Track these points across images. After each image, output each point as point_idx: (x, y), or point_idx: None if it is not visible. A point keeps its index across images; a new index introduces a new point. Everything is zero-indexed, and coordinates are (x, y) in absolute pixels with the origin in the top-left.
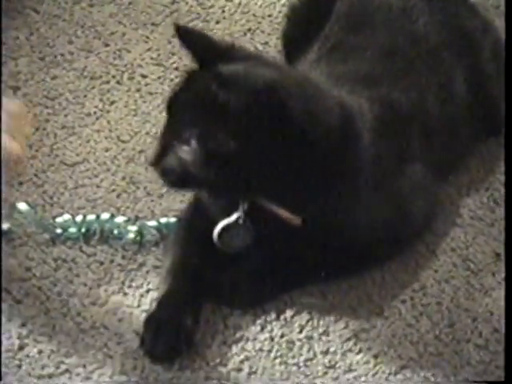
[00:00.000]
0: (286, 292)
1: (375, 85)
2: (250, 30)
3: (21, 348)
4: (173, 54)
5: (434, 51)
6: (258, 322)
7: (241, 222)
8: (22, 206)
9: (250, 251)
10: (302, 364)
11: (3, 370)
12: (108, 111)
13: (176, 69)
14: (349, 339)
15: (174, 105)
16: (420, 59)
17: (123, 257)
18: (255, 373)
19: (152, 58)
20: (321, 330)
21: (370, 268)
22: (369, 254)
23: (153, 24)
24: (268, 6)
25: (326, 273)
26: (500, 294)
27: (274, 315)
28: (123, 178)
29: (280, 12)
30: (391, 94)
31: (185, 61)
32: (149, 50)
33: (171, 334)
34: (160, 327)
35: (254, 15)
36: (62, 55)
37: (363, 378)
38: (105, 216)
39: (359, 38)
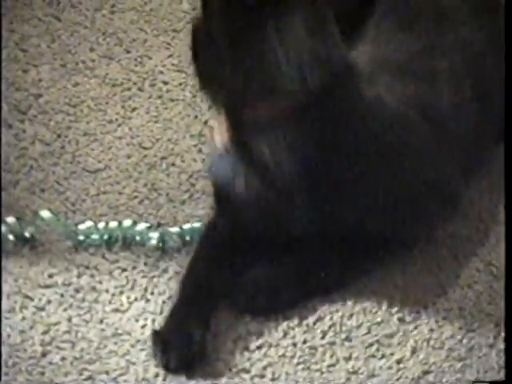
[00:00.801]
0: (308, 299)
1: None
2: None
3: (44, 355)
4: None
5: (477, 55)
6: (281, 328)
7: None
8: (45, 213)
9: (274, 256)
10: (324, 370)
11: (26, 376)
12: (130, 118)
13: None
14: (371, 345)
15: None
16: (464, 63)
17: (145, 263)
18: (278, 379)
19: (173, 65)
20: (343, 336)
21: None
22: (383, 250)
23: (174, 31)
24: None
25: (343, 274)
26: None
27: (296, 321)
28: (145, 185)
29: None
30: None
31: None
32: (170, 56)
33: (181, 347)
34: (168, 341)
35: None
36: (84, 62)
37: (386, 383)
38: (127, 223)
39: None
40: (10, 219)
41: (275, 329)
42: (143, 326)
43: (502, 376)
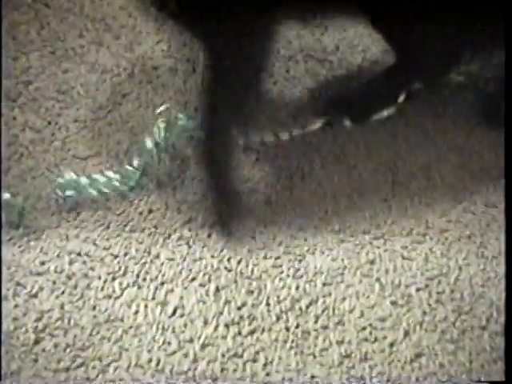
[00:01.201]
0: None
1: None
2: None
3: (37, 342)
4: (184, 46)
5: None
6: (273, 312)
7: None
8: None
9: None
10: (317, 354)
11: (19, 364)
12: (120, 104)
13: (187, 60)
14: (364, 328)
15: None
16: None
17: (137, 250)
18: (271, 363)
19: (163, 50)
20: (336, 320)
21: None
22: None
23: (163, 16)
24: None
25: None
26: None
27: (288, 305)
28: (136, 170)
29: None
30: None
31: (195, 52)
32: (160, 42)
33: None
34: None
35: None
36: (73, 49)
37: (379, 367)
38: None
39: None
40: (5, 195)
41: (267, 313)
42: (136, 312)
43: (494, 358)
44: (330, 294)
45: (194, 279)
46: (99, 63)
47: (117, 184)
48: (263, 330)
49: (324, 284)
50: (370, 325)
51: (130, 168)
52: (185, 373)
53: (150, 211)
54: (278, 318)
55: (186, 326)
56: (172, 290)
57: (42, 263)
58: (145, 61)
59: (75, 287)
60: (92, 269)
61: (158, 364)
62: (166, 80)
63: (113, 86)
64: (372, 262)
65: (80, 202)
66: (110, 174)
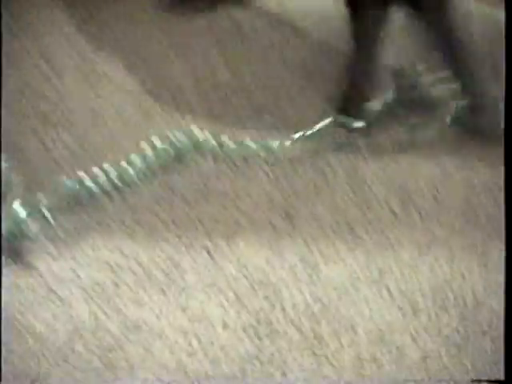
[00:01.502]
0: None
1: None
2: None
3: (68, 344)
4: (206, 67)
5: None
6: (289, 317)
7: None
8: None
9: None
10: (330, 355)
11: (51, 363)
12: (146, 122)
13: (209, 80)
14: (373, 332)
15: None
16: None
17: (162, 258)
18: (286, 364)
19: (188, 72)
20: (347, 324)
21: None
22: None
23: (186, 44)
24: None
25: None
26: None
27: (303, 310)
28: (160, 185)
29: None
30: None
31: (218, 74)
32: (186, 65)
33: None
34: None
35: None
36: (104, 73)
37: (387, 367)
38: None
39: None
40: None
41: (283, 318)
42: (158, 317)
43: (495, 360)
44: (341, 300)
45: (214, 286)
46: (128, 85)
47: (114, 179)
48: (279, 334)
49: (336, 290)
50: (379, 329)
51: (125, 165)
52: (205, 373)
53: (174, 223)
54: (293, 322)
55: (206, 329)
56: (194, 296)
57: (73, 271)
58: (170, 82)
59: (104, 293)
60: (120, 276)
61: (180, 364)
62: (190, 98)
63: (139, 105)
64: (381, 271)
65: (109, 212)
66: (108, 168)
